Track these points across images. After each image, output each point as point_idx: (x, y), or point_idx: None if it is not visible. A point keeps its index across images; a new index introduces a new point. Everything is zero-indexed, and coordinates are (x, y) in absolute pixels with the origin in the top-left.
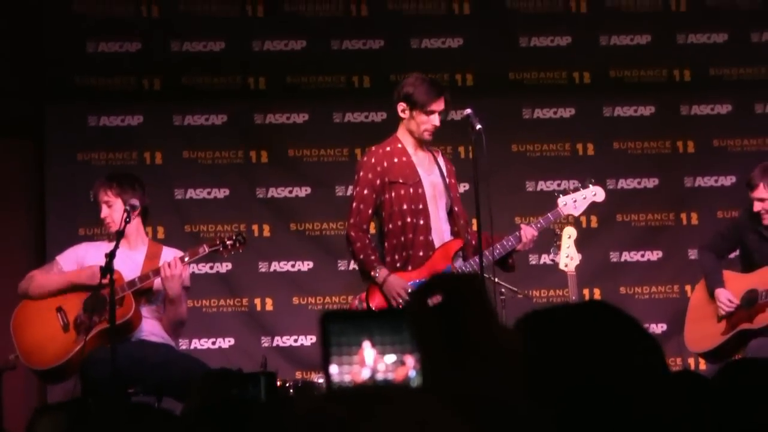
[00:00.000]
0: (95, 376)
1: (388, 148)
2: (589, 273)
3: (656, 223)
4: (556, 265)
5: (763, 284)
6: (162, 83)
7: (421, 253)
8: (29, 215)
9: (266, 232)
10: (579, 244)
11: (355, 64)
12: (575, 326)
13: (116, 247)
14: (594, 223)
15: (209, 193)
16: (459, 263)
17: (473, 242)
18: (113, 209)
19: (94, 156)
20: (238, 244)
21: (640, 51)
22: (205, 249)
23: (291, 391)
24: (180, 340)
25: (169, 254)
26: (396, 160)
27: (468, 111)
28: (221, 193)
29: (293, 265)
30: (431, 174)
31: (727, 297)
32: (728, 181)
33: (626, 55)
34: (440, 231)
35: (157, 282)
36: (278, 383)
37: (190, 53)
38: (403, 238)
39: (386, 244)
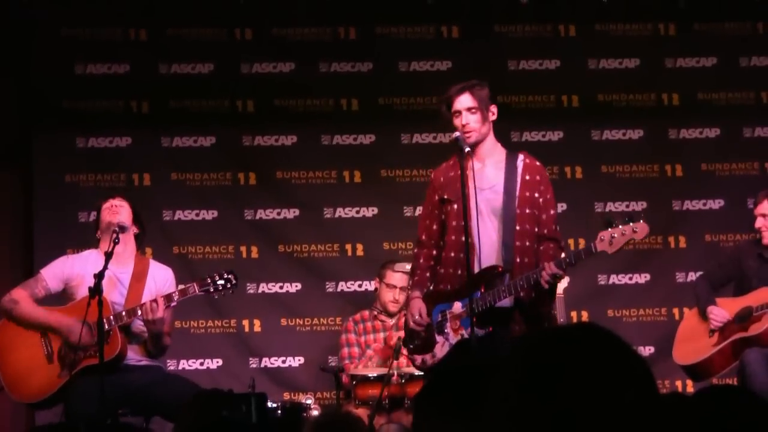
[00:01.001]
0: (83, 406)
1: (451, 162)
2: (577, 296)
3: (644, 247)
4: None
5: (756, 301)
6: (150, 105)
7: (459, 272)
8: (16, 237)
9: (254, 254)
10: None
11: (343, 87)
12: (567, 350)
13: (104, 267)
14: (582, 245)
15: (197, 215)
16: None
17: (543, 263)
18: (120, 213)
19: (82, 178)
20: (229, 285)
21: (629, 75)
22: (195, 289)
23: (279, 412)
24: (168, 361)
25: (157, 271)
26: (452, 174)
27: (456, 134)
28: (209, 215)
29: (281, 287)
30: (488, 189)
31: (720, 311)
32: (716, 204)
33: (615, 79)
34: (488, 251)
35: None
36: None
37: (178, 76)
38: (446, 255)
39: (443, 256)
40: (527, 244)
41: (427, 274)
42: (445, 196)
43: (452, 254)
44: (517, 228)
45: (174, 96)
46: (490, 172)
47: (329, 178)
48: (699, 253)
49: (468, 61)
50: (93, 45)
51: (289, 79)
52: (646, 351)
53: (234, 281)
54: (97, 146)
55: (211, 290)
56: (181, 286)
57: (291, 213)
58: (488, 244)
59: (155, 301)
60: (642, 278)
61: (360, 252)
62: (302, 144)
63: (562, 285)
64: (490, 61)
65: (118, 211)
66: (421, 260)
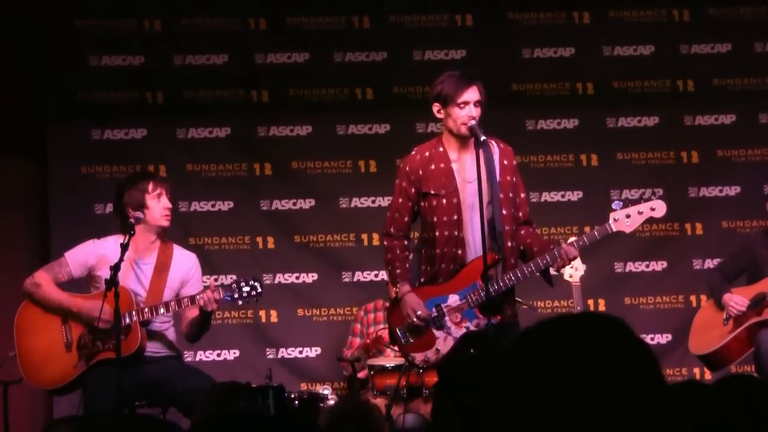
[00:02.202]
0: (100, 396)
1: (427, 153)
2: (594, 284)
3: (661, 234)
4: (560, 275)
5: None
6: (165, 97)
7: (451, 267)
8: (32, 228)
9: (270, 245)
10: (584, 254)
11: (357, 76)
12: (570, 340)
13: (121, 259)
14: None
15: (213, 206)
16: (496, 278)
17: (533, 247)
18: (159, 203)
19: (98, 169)
20: (254, 293)
21: (644, 62)
22: (220, 294)
23: (296, 403)
24: (185, 352)
25: (181, 259)
26: (433, 166)
27: (473, 122)
28: (225, 205)
29: (297, 277)
30: (474, 180)
31: (740, 298)
32: (733, 191)
33: (629, 66)
34: (479, 242)
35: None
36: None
37: (193, 66)
38: (434, 251)
39: (422, 252)
40: (512, 228)
41: (406, 265)
42: (430, 191)
43: (444, 250)
44: (504, 213)
45: (189, 87)
46: (469, 164)
47: (344, 168)
48: (716, 240)
49: (482, 50)
50: (107, 36)
51: (303, 68)
52: (664, 338)
53: (259, 290)
54: (113, 138)
55: (236, 296)
56: (205, 292)
57: (307, 203)
58: (478, 235)
59: (211, 294)
60: (659, 266)
61: (376, 242)
62: (317, 134)
63: (579, 273)
64: (504, 49)
65: (169, 216)
66: (397, 251)
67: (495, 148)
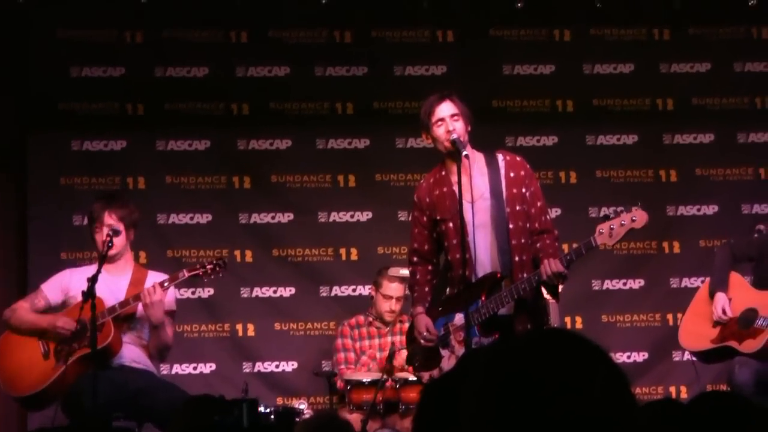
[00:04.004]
0: (78, 404)
1: (432, 180)
2: (572, 301)
3: (638, 252)
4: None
5: (765, 308)
6: (145, 108)
7: (457, 289)
8: (11, 239)
9: (248, 258)
10: None
11: (338, 90)
12: (532, 358)
13: (98, 271)
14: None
15: (192, 219)
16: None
17: (542, 256)
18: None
19: (76, 181)
20: (218, 269)
21: (624, 80)
22: (184, 274)
23: (272, 417)
24: (162, 365)
25: (154, 279)
26: (437, 192)
27: (455, 136)
28: (204, 218)
29: (275, 291)
30: (479, 198)
31: (723, 306)
32: (711, 210)
33: (609, 84)
34: (487, 261)
35: (140, 308)
36: (259, 409)
37: (173, 79)
38: (452, 273)
39: (447, 275)
40: (523, 241)
41: (426, 289)
42: (438, 217)
43: (458, 272)
44: (511, 227)
45: (169, 99)
46: (478, 181)
47: (324, 182)
48: (693, 258)
49: (463, 66)
50: (88, 47)
51: (284, 82)
52: (640, 356)
53: (223, 263)
54: (92, 149)
55: (200, 273)
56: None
57: (285, 217)
58: (487, 253)
59: (153, 286)
60: (636, 283)
61: (354, 256)
62: (297, 148)
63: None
64: (485, 66)
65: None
66: (418, 276)
67: (501, 162)
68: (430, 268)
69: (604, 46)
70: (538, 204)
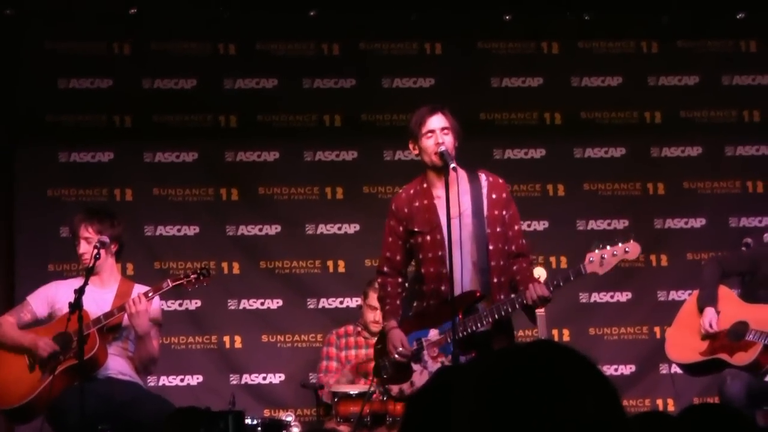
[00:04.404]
0: (64, 416)
1: (412, 191)
2: (559, 314)
3: (626, 265)
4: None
5: (756, 322)
6: (133, 120)
7: (433, 302)
8: None
9: (236, 270)
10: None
11: (326, 102)
12: (518, 370)
13: (85, 283)
14: (564, 264)
15: (179, 230)
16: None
17: (519, 285)
18: (92, 245)
19: (64, 192)
20: (202, 278)
21: (612, 93)
22: (168, 284)
23: (258, 429)
24: (148, 377)
25: (139, 292)
26: (417, 203)
27: (442, 148)
28: (191, 230)
29: (262, 303)
30: (459, 215)
31: (710, 321)
32: (698, 223)
33: (597, 97)
34: (467, 278)
35: (125, 320)
36: (246, 421)
37: (161, 90)
38: (423, 287)
39: (415, 288)
40: (501, 263)
41: (398, 302)
42: (415, 228)
43: (432, 286)
44: (491, 248)
45: (157, 111)
46: (461, 198)
47: (311, 194)
48: (681, 271)
49: (451, 78)
50: (76, 59)
51: (272, 94)
52: (628, 369)
53: (207, 273)
54: (80, 161)
55: (184, 283)
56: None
57: (273, 229)
58: (466, 270)
59: (138, 295)
60: (623, 296)
61: (342, 268)
62: (285, 160)
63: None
64: (473, 78)
65: (88, 248)
66: (389, 288)
67: (484, 182)
68: (400, 280)
69: (592, 58)
70: (516, 228)
